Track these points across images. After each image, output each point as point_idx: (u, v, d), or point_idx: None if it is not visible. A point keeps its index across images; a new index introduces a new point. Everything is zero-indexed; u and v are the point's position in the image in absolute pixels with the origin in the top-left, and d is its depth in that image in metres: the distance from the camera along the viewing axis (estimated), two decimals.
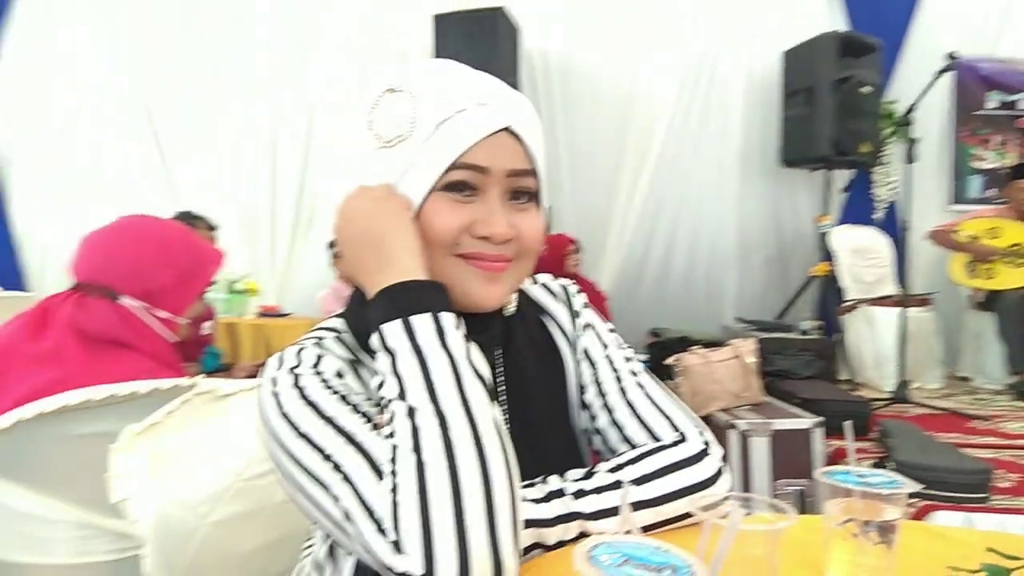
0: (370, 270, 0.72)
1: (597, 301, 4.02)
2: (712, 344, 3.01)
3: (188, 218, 3.41)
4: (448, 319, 0.68)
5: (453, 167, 0.73)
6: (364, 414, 0.69)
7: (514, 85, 4.18)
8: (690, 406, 0.87)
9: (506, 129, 0.74)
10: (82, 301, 1.24)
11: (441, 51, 4.08)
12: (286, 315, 4.29)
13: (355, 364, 0.78)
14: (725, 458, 0.80)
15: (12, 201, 4.99)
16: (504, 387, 0.82)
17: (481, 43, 3.97)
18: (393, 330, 0.67)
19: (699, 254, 4.86)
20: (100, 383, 1.15)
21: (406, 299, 0.69)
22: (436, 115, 0.73)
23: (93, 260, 1.28)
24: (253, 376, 2.64)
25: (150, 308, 1.28)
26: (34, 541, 1.18)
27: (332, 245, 4.10)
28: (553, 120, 4.78)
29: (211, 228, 3.57)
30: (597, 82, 4.83)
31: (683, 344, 3.21)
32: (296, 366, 0.73)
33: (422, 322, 0.67)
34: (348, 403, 0.70)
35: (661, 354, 3.28)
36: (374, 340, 0.69)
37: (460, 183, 0.74)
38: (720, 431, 2.53)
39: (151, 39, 4.85)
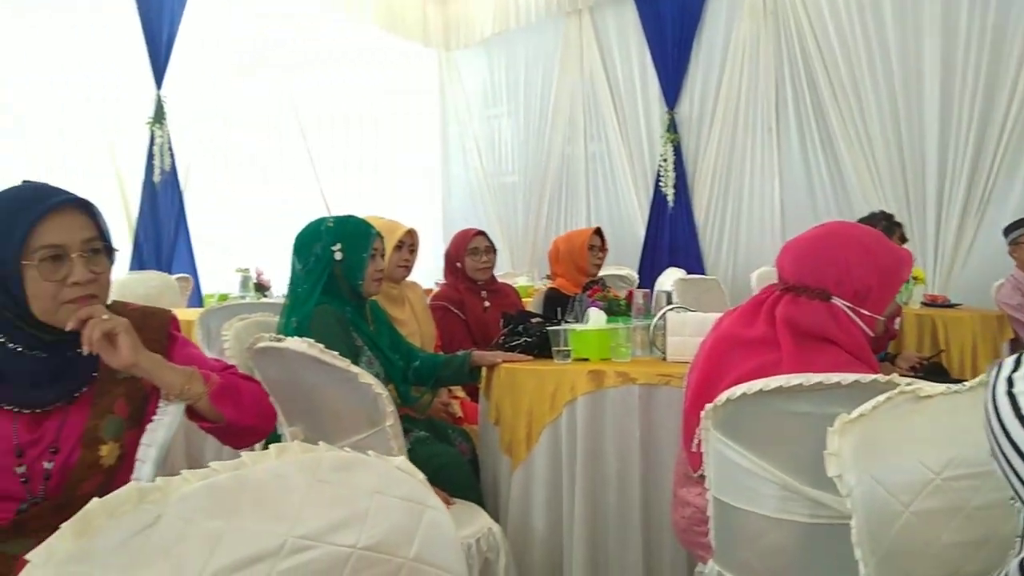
0: None
1: None
2: None
3: (877, 219, 3.49)
4: None
5: None
6: None
7: None
8: None
9: None
10: (796, 300, 1.47)
11: None
12: (954, 305, 4.00)
13: None
14: None
15: (696, 197, 5.88)
16: None
17: None
18: None
19: None
20: (805, 371, 1.35)
21: None
22: None
23: (805, 264, 1.49)
24: (915, 368, 2.60)
25: (855, 308, 1.43)
26: (747, 491, 1.45)
27: (1009, 231, 3.66)
28: None
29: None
30: None
31: None
32: None
33: None
34: None
35: None
36: None
37: None
38: None
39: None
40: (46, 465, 1.21)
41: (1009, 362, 0.77)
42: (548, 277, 4.41)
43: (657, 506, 2.01)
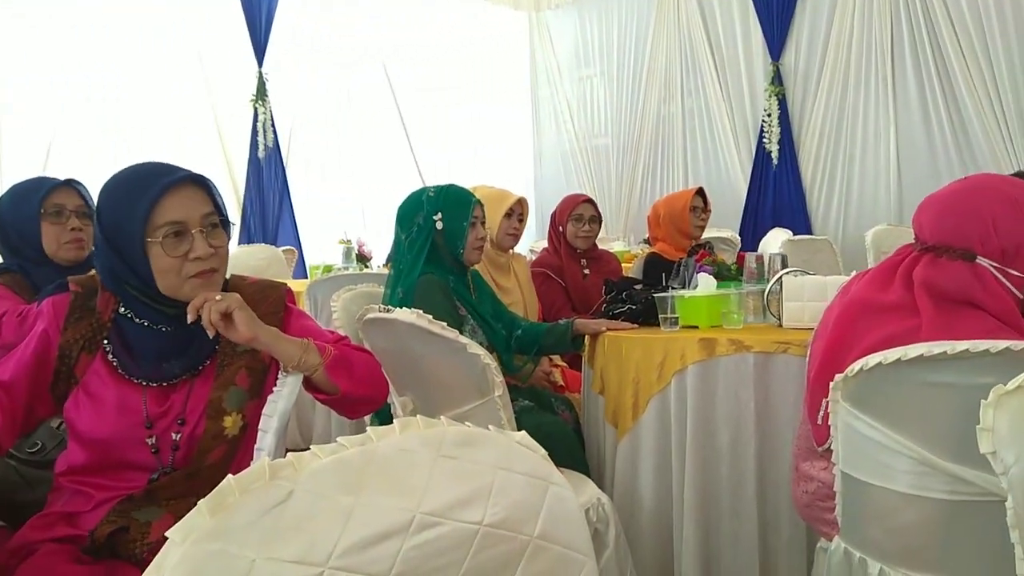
0: None
1: None
2: None
3: None
4: None
5: None
6: None
7: None
8: None
9: None
10: (936, 261, 1.35)
11: None
12: None
13: None
14: None
15: (802, 153, 5.59)
16: None
17: None
18: None
19: None
20: (947, 338, 1.24)
21: None
22: None
23: (946, 222, 1.36)
24: None
25: (1003, 268, 1.30)
26: (879, 466, 1.36)
27: None
28: None
29: None
30: None
31: None
32: None
33: None
34: None
35: None
36: None
37: None
38: None
39: None
40: (174, 436, 1.26)
41: None
42: (646, 242, 4.31)
43: (774, 479, 1.93)
